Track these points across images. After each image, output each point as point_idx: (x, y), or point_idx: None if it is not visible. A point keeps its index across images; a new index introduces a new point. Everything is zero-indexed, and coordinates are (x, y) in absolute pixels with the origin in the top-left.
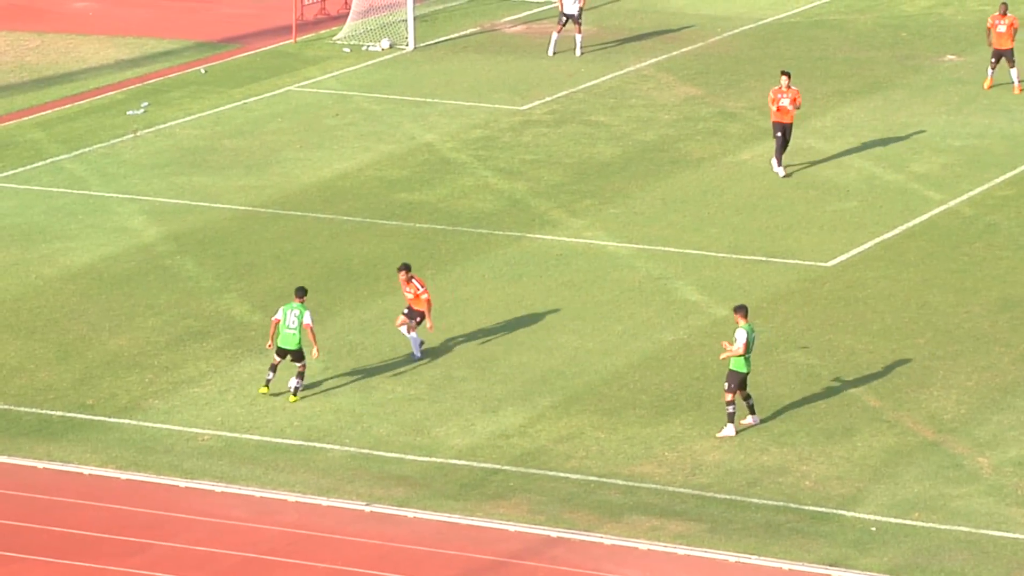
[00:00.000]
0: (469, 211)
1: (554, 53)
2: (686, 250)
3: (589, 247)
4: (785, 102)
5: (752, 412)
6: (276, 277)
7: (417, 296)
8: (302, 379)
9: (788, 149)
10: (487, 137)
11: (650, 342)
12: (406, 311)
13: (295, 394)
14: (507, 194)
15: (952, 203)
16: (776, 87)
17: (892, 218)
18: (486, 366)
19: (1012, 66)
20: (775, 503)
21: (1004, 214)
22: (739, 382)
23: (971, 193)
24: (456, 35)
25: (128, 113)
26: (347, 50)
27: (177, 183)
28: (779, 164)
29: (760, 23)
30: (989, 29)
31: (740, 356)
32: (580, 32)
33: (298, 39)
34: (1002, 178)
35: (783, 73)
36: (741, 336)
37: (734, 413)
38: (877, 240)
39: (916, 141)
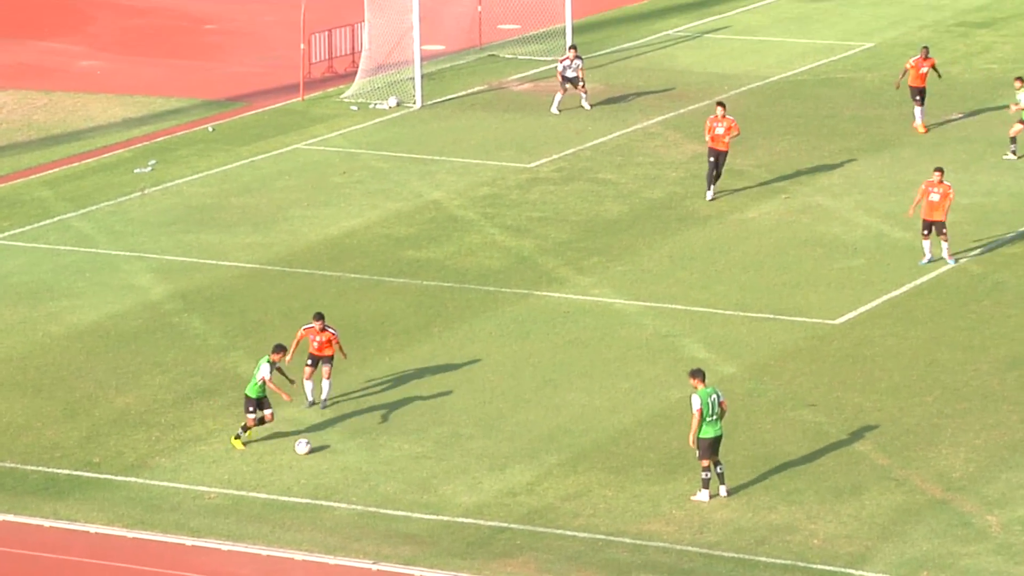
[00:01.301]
0: (476, 268)
1: (559, 110)
2: (693, 307)
3: (596, 304)
4: (720, 130)
5: (721, 482)
6: (283, 335)
7: (330, 341)
8: (262, 423)
9: (795, 207)
10: (494, 195)
11: (657, 400)
12: (310, 361)
13: (240, 437)
14: (514, 251)
15: (961, 260)
16: (712, 116)
17: (900, 276)
18: (493, 424)
19: (920, 105)
20: (783, 561)
21: (1012, 272)
22: (707, 447)
23: (979, 251)
24: (463, 93)
25: (136, 171)
26: (354, 108)
27: (184, 241)
28: (709, 189)
29: (767, 81)
30: (908, 70)
31: (703, 422)
32: (585, 91)
33: (305, 97)
34: (1010, 235)
35: (718, 104)
36: (695, 402)
37: (708, 479)
38: (885, 298)
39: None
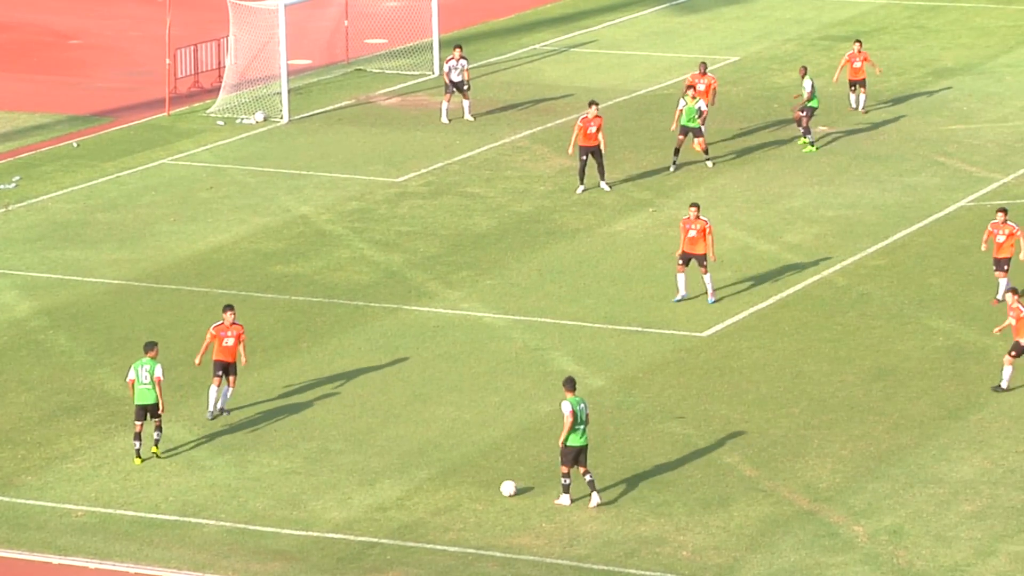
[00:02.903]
0: (345, 283)
1: (449, 119)
2: (562, 321)
3: (465, 318)
4: (592, 129)
5: (592, 488)
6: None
7: (239, 337)
8: (161, 432)
9: (662, 220)
10: (363, 209)
11: (527, 413)
12: (220, 371)
13: (156, 446)
14: (383, 266)
15: (825, 273)
16: (585, 115)
17: (766, 288)
18: (363, 439)
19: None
20: (653, 573)
21: (876, 284)
22: (571, 456)
23: (844, 263)
24: (331, 107)
25: None
26: (221, 123)
27: (50, 257)
28: (581, 183)
29: (634, 95)
30: (690, 84)
31: (572, 429)
32: (468, 99)
33: (171, 112)
34: (874, 248)
35: (591, 103)
36: (565, 407)
37: (569, 484)
38: (751, 310)
39: (789, 211)
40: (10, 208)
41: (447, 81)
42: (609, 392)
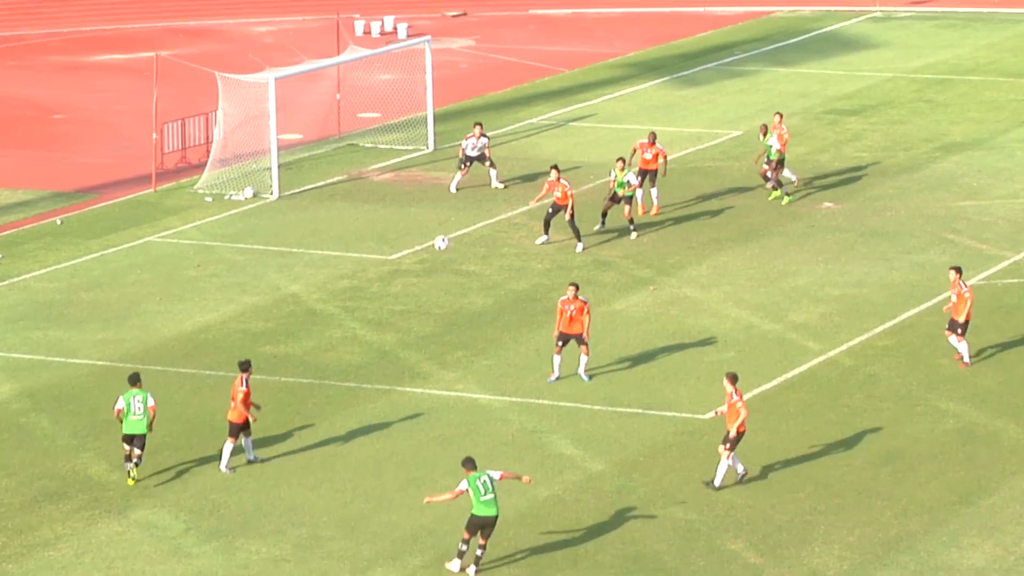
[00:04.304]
0: (336, 364)
1: (456, 190)
2: (561, 402)
3: (461, 400)
4: (558, 194)
5: (476, 564)
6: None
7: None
8: (141, 460)
9: (663, 299)
10: (355, 287)
11: (524, 498)
12: (244, 425)
13: (131, 474)
14: (376, 346)
15: (831, 353)
16: (549, 179)
17: (770, 369)
18: (355, 525)
19: (653, 186)
20: None
21: (884, 364)
22: (475, 524)
23: (850, 343)
24: (322, 183)
25: None
26: (209, 199)
27: (32, 338)
28: (546, 232)
29: (634, 169)
30: (635, 150)
31: (478, 501)
32: (495, 168)
33: (158, 188)
34: (881, 328)
35: (553, 167)
36: (462, 484)
37: (464, 552)
38: (756, 392)
39: (794, 290)
40: None
41: (462, 155)
42: (609, 476)
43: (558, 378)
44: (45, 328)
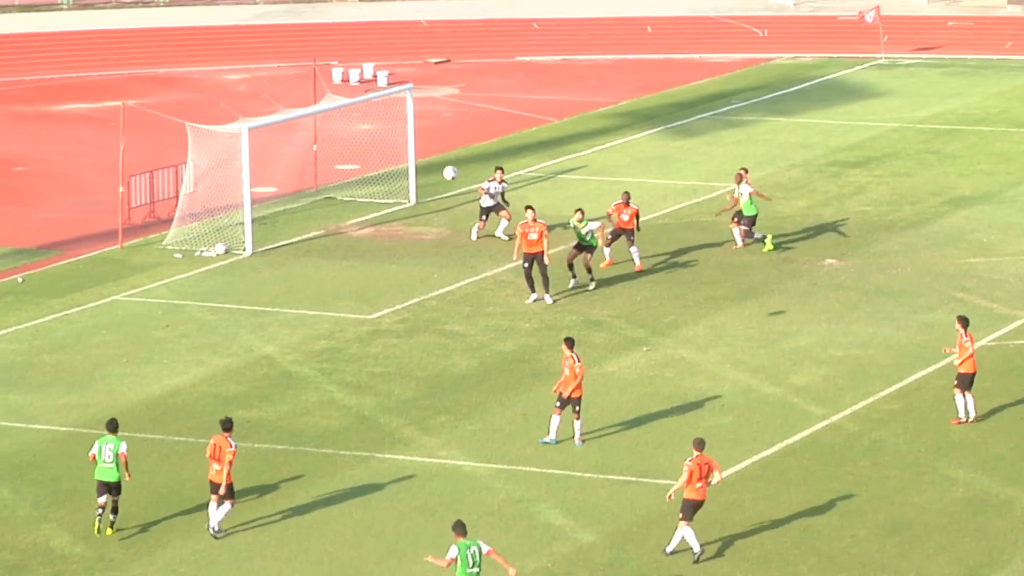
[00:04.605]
0: (313, 429)
1: (477, 237)
2: (549, 470)
3: (444, 467)
4: (533, 236)
5: None
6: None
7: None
8: (117, 513)
9: (657, 360)
10: (332, 348)
11: None
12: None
13: (112, 527)
14: (354, 410)
15: (835, 418)
16: (523, 222)
17: (771, 434)
18: None
19: (632, 245)
20: None
21: (890, 430)
22: None
23: (855, 407)
24: (298, 239)
25: None
26: (178, 256)
27: None
28: (533, 291)
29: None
30: (610, 214)
31: (461, 571)
32: (508, 217)
33: (125, 244)
34: (887, 391)
35: (527, 207)
36: (452, 551)
37: None
38: (755, 458)
39: (795, 351)
40: None
41: (483, 204)
42: (600, 548)
43: (556, 442)
44: (4, 392)
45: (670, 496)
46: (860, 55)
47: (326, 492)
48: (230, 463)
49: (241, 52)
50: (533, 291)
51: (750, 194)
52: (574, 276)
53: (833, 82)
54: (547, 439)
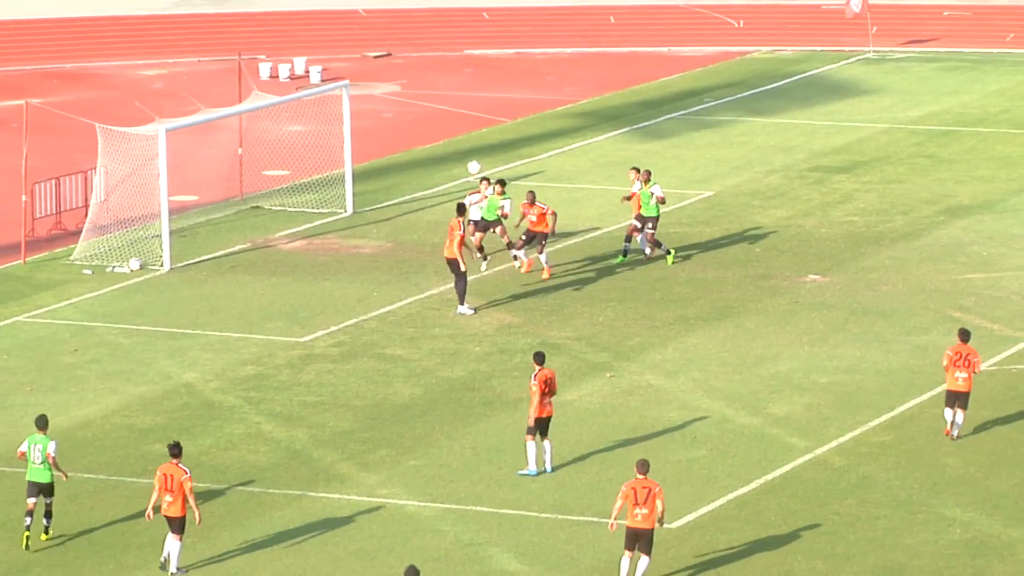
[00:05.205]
0: (238, 465)
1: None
2: (502, 509)
3: (385, 507)
4: (533, 216)
5: None
6: (2, 548)
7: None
8: (51, 518)
9: (622, 387)
10: (260, 375)
11: None
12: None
13: (47, 532)
14: (284, 444)
15: (819, 451)
16: (450, 227)
17: (748, 470)
18: None
19: (540, 252)
20: None
21: (880, 464)
22: None
23: (841, 440)
24: (222, 253)
25: None
26: (88, 272)
27: None
28: (463, 303)
29: (586, 237)
30: (524, 215)
31: None
32: (505, 237)
33: (28, 259)
34: (877, 421)
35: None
36: None
37: None
38: (731, 496)
39: (774, 377)
40: None
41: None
42: None
43: (536, 473)
44: None
45: (612, 526)
46: (846, 48)
47: (253, 535)
48: (191, 491)
49: (158, 45)
50: (463, 303)
51: (659, 199)
52: (484, 257)
53: (816, 79)
54: (527, 471)
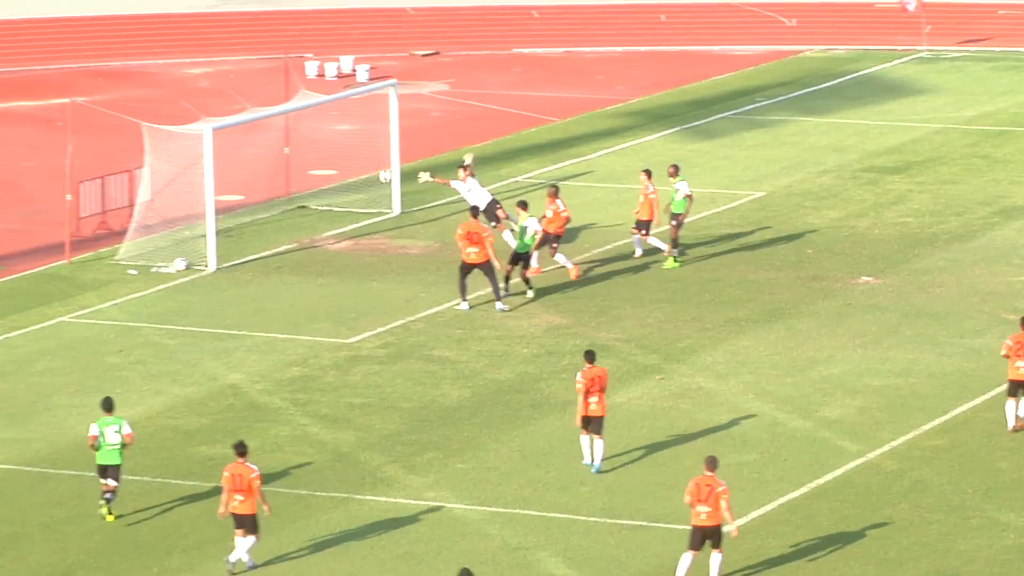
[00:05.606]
0: (284, 468)
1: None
2: (550, 513)
3: (432, 511)
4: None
5: None
6: (45, 551)
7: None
8: (115, 495)
9: (671, 390)
10: (306, 377)
11: None
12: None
13: (111, 513)
14: (331, 446)
15: (871, 455)
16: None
17: (799, 474)
18: None
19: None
20: None
21: (933, 469)
22: None
23: (894, 443)
24: (267, 253)
25: None
26: (133, 272)
27: None
28: (464, 300)
29: (636, 238)
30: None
31: None
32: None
33: (73, 259)
34: (930, 425)
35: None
36: None
37: None
38: (782, 500)
39: (826, 380)
40: None
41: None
42: None
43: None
44: None
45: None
46: (900, 48)
47: (298, 539)
48: (259, 488)
49: (204, 43)
50: (465, 300)
51: (686, 195)
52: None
53: (869, 78)
54: (588, 461)
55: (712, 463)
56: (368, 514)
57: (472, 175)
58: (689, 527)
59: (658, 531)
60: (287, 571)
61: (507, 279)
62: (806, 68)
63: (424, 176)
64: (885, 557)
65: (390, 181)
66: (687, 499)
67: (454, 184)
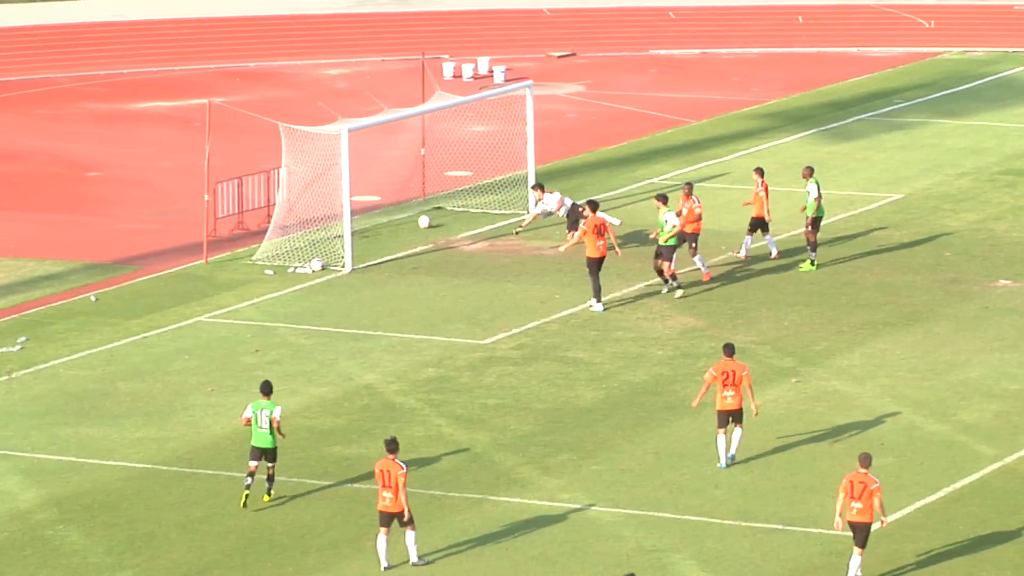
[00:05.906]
0: (419, 468)
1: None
2: (684, 516)
3: (566, 512)
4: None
5: None
6: (181, 551)
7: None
8: (273, 481)
9: (807, 393)
10: (441, 377)
11: None
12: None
13: (269, 493)
14: (465, 447)
15: (1009, 460)
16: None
17: (936, 478)
18: None
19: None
20: None
21: None
22: None
23: None
24: (403, 254)
25: (0, 350)
26: (270, 272)
27: (60, 436)
28: (599, 301)
29: (774, 238)
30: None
31: None
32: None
33: (210, 259)
34: None
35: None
36: None
37: None
38: (918, 504)
39: (964, 384)
40: (13, 376)
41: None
42: None
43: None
44: (76, 424)
45: (837, 525)
46: None
47: (433, 539)
48: (404, 486)
49: (341, 44)
50: (599, 301)
51: (816, 198)
52: (669, 283)
53: (1009, 80)
54: (720, 464)
55: (866, 460)
56: (502, 515)
57: (542, 190)
58: (839, 528)
59: (794, 535)
60: (420, 572)
61: (674, 277)
62: (944, 70)
63: (519, 230)
64: (1023, 563)
65: (429, 226)
66: (840, 496)
67: (538, 208)
